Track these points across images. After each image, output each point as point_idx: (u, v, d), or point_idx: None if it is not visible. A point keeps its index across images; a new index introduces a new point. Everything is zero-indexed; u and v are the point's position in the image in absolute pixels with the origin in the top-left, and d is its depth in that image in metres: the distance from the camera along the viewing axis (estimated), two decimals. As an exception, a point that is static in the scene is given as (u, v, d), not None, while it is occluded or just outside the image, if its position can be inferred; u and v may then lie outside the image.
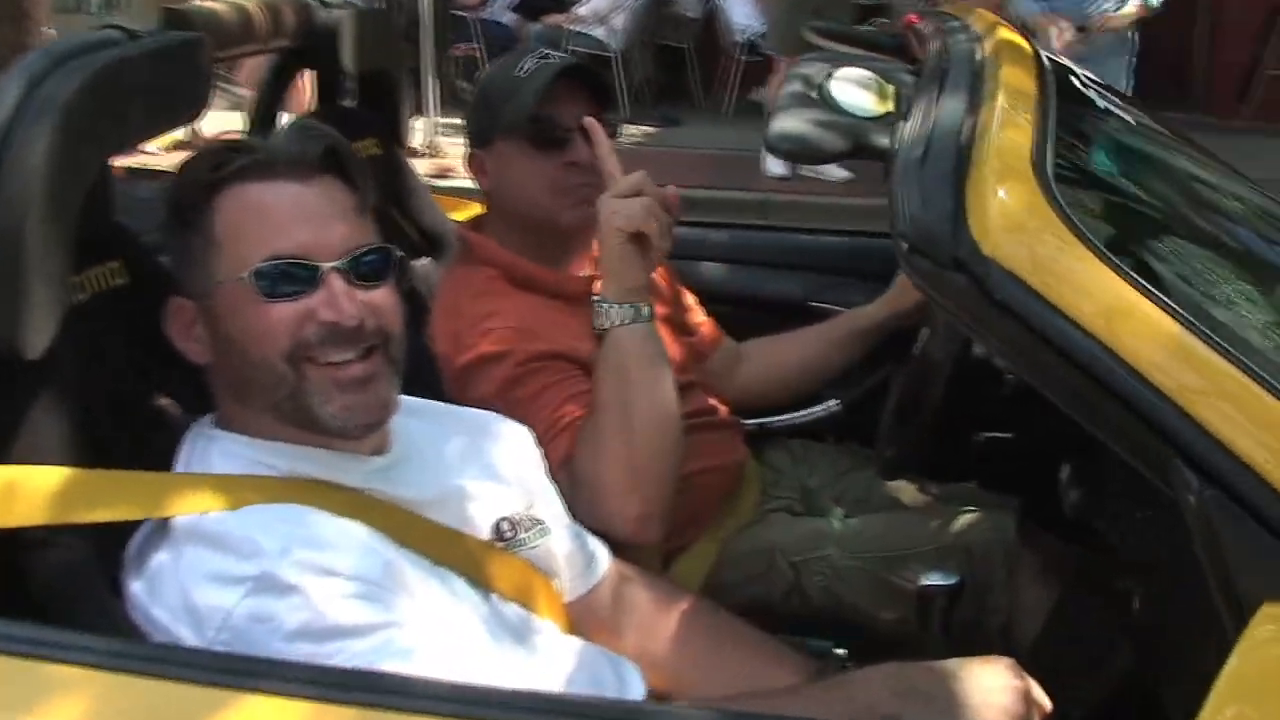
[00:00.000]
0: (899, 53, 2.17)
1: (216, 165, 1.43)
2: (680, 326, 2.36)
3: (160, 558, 1.35)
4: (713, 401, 2.32)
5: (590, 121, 2.00)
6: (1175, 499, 1.27)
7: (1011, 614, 2.03)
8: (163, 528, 1.37)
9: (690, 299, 2.46)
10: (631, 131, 9.25)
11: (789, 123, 1.59)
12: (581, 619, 1.67)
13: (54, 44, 1.63)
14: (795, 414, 2.59)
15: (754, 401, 2.49)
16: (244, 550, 1.30)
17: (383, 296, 1.45)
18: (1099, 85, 1.97)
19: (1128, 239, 1.42)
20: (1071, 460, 2.14)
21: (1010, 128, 1.42)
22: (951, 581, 1.93)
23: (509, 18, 10.85)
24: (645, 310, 1.90)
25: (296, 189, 1.43)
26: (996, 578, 2.04)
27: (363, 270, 1.43)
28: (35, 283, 1.41)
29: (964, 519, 2.13)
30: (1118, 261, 1.26)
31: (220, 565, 1.30)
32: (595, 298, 1.91)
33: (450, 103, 9.53)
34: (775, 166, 7.88)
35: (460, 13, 10.01)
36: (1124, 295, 1.25)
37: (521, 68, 2.07)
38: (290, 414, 1.42)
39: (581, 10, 10.03)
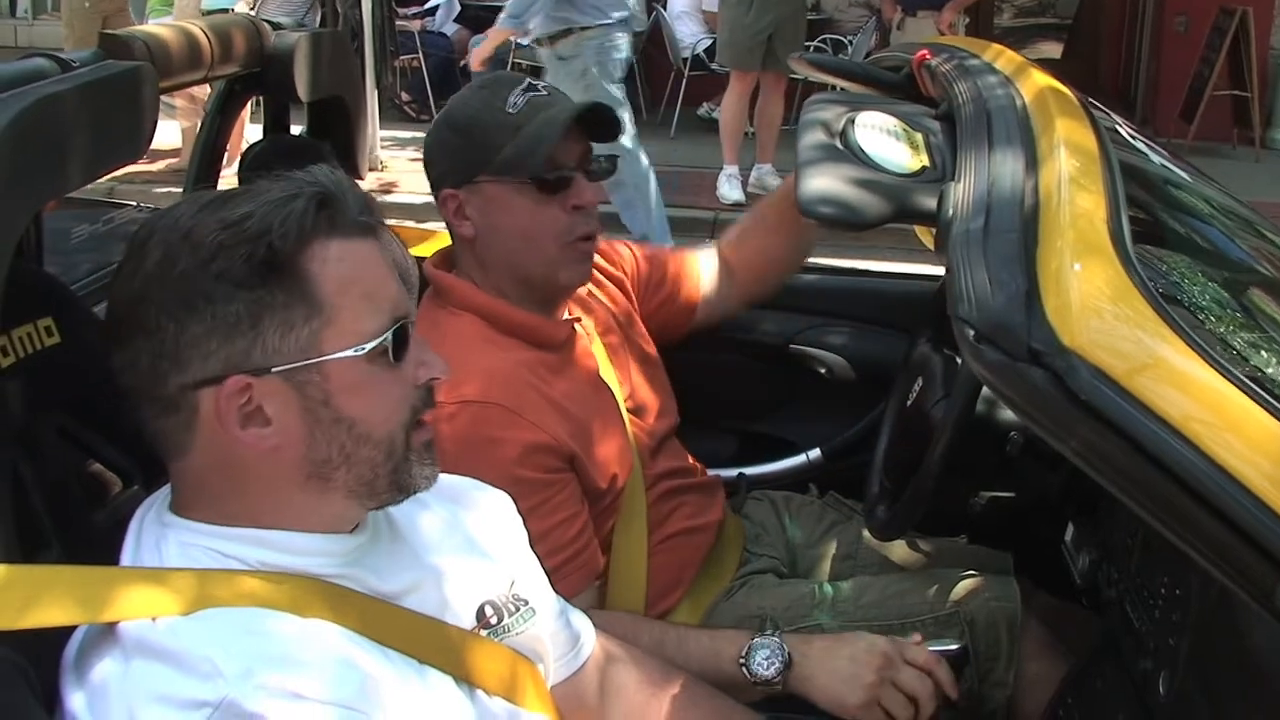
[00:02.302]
0: (902, 88, 2.02)
1: (306, 211, 1.23)
2: (646, 360, 2.21)
3: (105, 668, 1.18)
4: (691, 460, 2.18)
5: None
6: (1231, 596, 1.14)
7: (1017, 687, 1.91)
8: (109, 630, 1.20)
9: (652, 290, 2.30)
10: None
11: (823, 182, 1.40)
12: (566, 703, 1.54)
13: None
14: (776, 465, 2.47)
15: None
16: (201, 670, 1.13)
17: None
18: (1139, 132, 1.83)
19: (1215, 322, 1.27)
20: (1077, 522, 2.03)
21: (1080, 192, 1.26)
22: (953, 648, 1.83)
23: (451, 28, 10.69)
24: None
25: (377, 244, 1.29)
26: (1001, 650, 1.92)
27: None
28: None
29: (964, 584, 2.00)
30: (1216, 355, 1.10)
31: (175, 686, 1.13)
32: (770, 649, 1.75)
33: (390, 114, 9.36)
34: (730, 192, 7.77)
35: (404, 25, 9.83)
36: (1227, 396, 1.10)
37: (511, 103, 1.88)
38: (381, 488, 1.29)
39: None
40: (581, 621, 1.62)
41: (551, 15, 6.02)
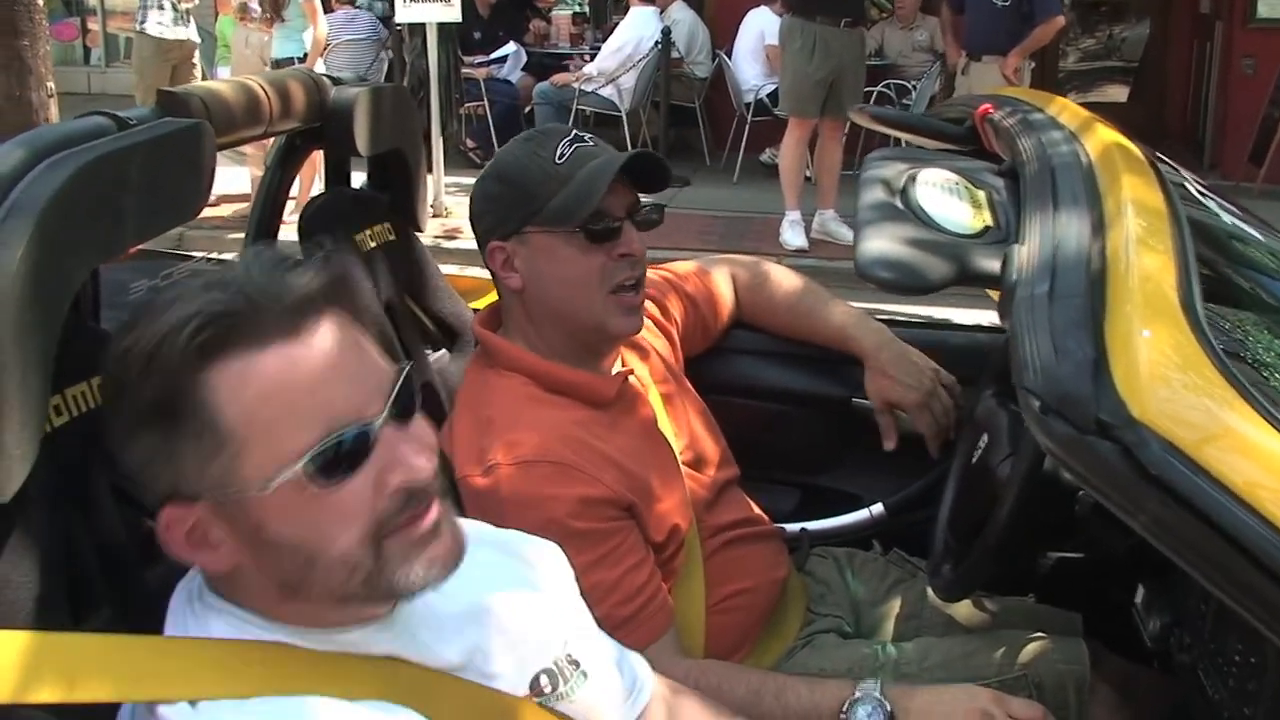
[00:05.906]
0: (965, 141, 1.99)
1: (192, 337, 1.11)
2: (701, 410, 2.19)
3: None
4: (756, 511, 2.15)
5: None
6: None
7: (1087, 755, 1.86)
8: (154, 709, 1.16)
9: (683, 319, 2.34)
10: (640, 192, 9.12)
11: (882, 244, 1.36)
12: None
13: (34, 134, 1.44)
14: (839, 520, 2.43)
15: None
16: None
17: (422, 429, 1.23)
18: (1209, 189, 1.78)
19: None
20: (1148, 584, 1.97)
21: (1148, 253, 1.22)
22: None
23: (517, 76, 10.79)
24: None
25: (311, 346, 1.15)
26: (1070, 714, 1.87)
27: (399, 409, 1.20)
28: (9, 417, 1.21)
29: (1032, 646, 1.95)
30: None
31: None
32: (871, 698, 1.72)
33: (455, 160, 9.44)
34: (794, 238, 7.76)
35: (470, 73, 9.94)
36: None
37: (559, 154, 1.89)
38: (361, 595, 1.20)
39: (589, 69, 9.96)
40: (639, 665, 1.58)
41: None
